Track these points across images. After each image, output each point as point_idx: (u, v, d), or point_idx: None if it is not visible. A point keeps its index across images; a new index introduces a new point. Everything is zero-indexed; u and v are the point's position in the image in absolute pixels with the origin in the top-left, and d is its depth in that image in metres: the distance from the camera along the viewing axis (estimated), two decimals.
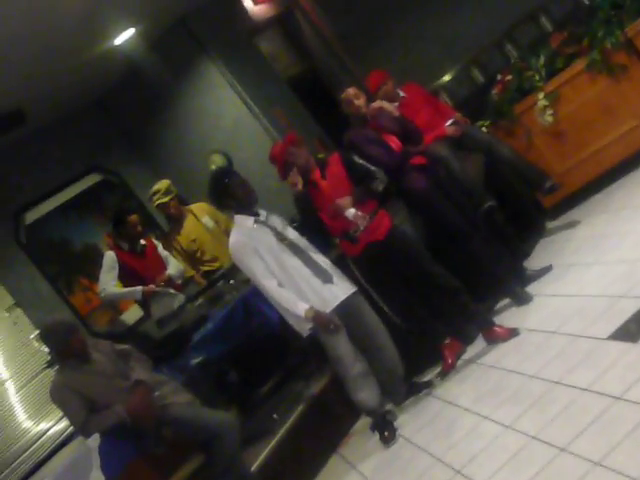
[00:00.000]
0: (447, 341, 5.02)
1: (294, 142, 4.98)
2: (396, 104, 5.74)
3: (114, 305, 7.90)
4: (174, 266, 6.36)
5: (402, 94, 6.00)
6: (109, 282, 6.13)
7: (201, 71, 8.27)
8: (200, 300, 6.19)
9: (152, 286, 6.08)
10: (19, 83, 6.53)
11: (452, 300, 4.90)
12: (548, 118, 5.91)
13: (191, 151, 8.70)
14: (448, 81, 7.99)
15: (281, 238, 4.69)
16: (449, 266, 4.95)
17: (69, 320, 5.07)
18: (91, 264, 7.93)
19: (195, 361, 5.37)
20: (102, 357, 4.64)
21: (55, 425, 6.53)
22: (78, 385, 4.44)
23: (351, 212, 4.79)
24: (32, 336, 7.39)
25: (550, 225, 6.14)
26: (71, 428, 5.18)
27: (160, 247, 6.51)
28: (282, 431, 5.19)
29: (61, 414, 5.18)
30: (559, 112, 5.91)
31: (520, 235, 5.90)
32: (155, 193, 6.77)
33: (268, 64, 8.62)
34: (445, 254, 5.08)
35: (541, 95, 5.91)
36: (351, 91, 5.50)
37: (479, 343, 4.98)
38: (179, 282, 6.33)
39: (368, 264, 4.99)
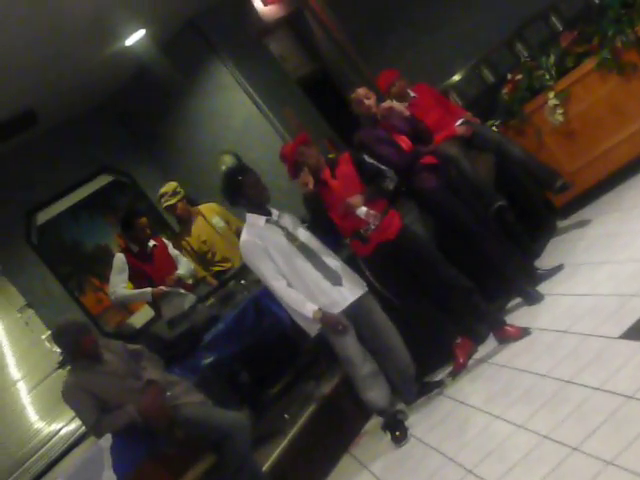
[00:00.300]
0: (458, 341, 5.02)
1: (305, 142, 4.99)
2: (406, 104, 5.75)
3: (125, 306, 7.92)
4: (184, 265, 6.37)
5: (412, 94, 6.01)
6: (119, 284, 6.14)
7: (211, 72, 8.29)
8: (211, 300, 6.22)
9: (161, 287, 6.09)
10: (31, 84, 6.57)
11: (464, 300, 4.90)
12: (558, 117, 5.91)
13: (201, 151, 8.73)
14: (458, 81, 7.96)
15: (292, 239, 4.69)
16: (460, 266, 4.94)
17: (81, 320, 5.06)
18: (102, 264, 7.99)
19: (206, 361, 5.37)
20: (114, 357, 4.64)
21: (67, 425, 6.52)
22: (90, 385, 4.44)
23: (363, 210, 4.78)
24: (44, 336, 7.41)
25: (561, 224, 6.13)
26: (83, 428, 5.17)
27: (171, 247, 6.52)
28: (293, 431, 5.19)
29: (73, 414, 5.18)
30: (569, 111, 5.91)
31: (531, 234, 5.90)
32: (163, 195, 6.79)
33: (278, 64, 8.64)
34: (456, 254, 5.08)
35: (551, 94, 5.90)
36: (361, 91, 5.49)
37: (490, 342, 4.98)
38: (190, 282, 6.34)
39: (379, 264, 4.99)
